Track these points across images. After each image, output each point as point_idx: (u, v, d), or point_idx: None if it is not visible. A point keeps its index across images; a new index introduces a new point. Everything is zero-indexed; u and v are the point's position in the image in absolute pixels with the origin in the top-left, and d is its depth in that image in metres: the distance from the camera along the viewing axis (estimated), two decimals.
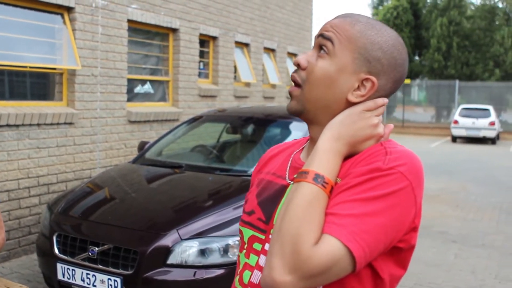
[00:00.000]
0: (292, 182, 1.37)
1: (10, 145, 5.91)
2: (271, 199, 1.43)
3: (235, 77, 10.60)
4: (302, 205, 1.18)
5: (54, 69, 6.67)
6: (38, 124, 6.19)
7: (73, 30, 6.65)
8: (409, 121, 30.00)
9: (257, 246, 1.41)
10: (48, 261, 4.52)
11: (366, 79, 1.33)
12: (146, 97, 8.37)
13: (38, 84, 6.94)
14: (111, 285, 4.07)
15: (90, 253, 4.15)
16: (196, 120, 6.39)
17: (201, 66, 9.70)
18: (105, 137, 7.16)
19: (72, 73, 6.67)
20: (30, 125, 6.10)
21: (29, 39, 6.36)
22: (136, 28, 7.85)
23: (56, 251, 4.42)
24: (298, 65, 1.37)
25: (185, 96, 8.75)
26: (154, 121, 8.02)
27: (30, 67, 6.37)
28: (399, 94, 31.66)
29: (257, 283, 1.36)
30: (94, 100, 6.93)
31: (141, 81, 8.25)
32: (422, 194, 1.27)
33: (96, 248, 4.14)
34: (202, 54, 9.67)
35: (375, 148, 1.30)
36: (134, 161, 5.83)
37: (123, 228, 4.30)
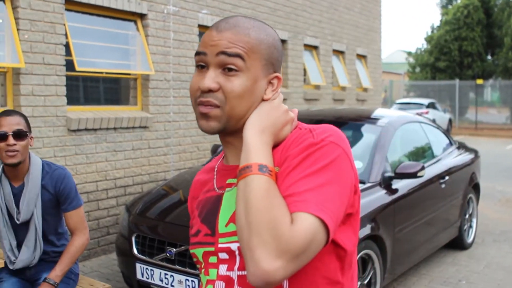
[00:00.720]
0: (223, 191, 1.44)
1: (89, 148, 6.10)
2: (211, 212, 1.46)
3: (304, 80, 10.59)
4: (262, 195, 1.21)
5: (129, 74, 6.84)
6: (115, 128, 6.36)
7: (146, 36, 6.81)
8: (482, 122, 29.16)
9: (212, 259, 1.42)
10: (127, 261, 4.64)
11: (273, 78, 1.43)
12: None
13: (114, 89, 7.14)
14: (188, 285, 4.13)
15: (168, 254, 4.23)
16: None
17: None
18: (179, 141, 7.29)
19: (146, 78, 6.83)
20: (107, 129, 6.28)
21: (104, 46, 6.55)
22: None
23: (135, 251, 4.53)
24: (209, 90, 1.36)
25: None
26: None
27: (106, 73, 6.56)
28: (471, 95, 30.86)
29: None
30: (167, 104, 7.07)
31: None
32: (352, 157, 1.36)
33: (174, 249, 4.21)
34: None
35: (297, 132, 1.39)
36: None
37: None
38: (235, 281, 1.36)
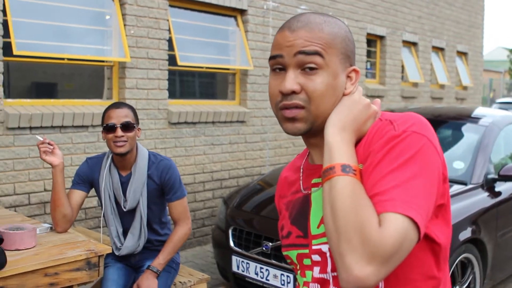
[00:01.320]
0: (309, 191, 1.42)
1: (188, 141, 6.25)
2: (300, 213, 1.44)
3: (402, 77, 10.38)
4: (347, 196, 1.17)
5: (228, 69, 6.95)
6: (213, 122, 6.48)
7: (246, 31, 6.89)
8: None
9: (307, 261, 1.40)
10: (223, 253, 4.73)
11: (351, 71, 1.39)
12: None
13: (212, 84, 7.28)
14: (283, 280, 4.16)
15: (264, 248, 4.27)
16: None
17: (368, 66, 9.61)
18: (275, 136, 7.34)
19: (245, 73, 6.91)
20: (206, 122, 6.41)
21: (205, 41, 6.68)
22: None
23: (232, 244, 4.60)
24: (292, 92, 1.32)
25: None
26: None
27: (206, 67, 6.69)
28: None
29: None
30: (265, 99, 7.13)
31: None
32: (439, 143, 1.29)
33: (270, 244, 4.25)
34: (369, 54, 9.58)
35: (378, 124, 1.33)
36: None
37: None
38: (330, 282, 1.34)
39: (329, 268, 1.34)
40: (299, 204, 1.45)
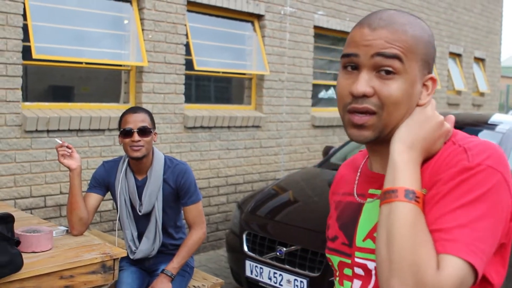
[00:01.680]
0: (364, 201, 1.35)
1: (203, 145, 6.28)
2: (350, 221, 1.37)
3: None
4: (406, 228, 1.08)
5: (244, 74, 6.97)
6: (228, 127, 6.51)
7: (263, 36, 6.91)
8: None
9: (347, 271, 1.35)
10: (237, 258, 4.73)
11: (428, 79, 1.29)
12: (330, 102, 8.45)
13: (228, 89, 7.30)
14: (297, 285, 4.16)
15: (278, 253, 4.28)
16: None
17: None
18: (290, 141, 7.34)
19: (261, 78, 6.93)
20: (221, 127, 6.43)
21: (222, 46, 6.72)
22: (322, 34, 7.96)
23: (246, 248, 4.61)
24: (363, 95, 1.23)
25: None
26: (337, 126, 8.07)
27: (223, 72, 6.72)
28: None
29: None
30: (280, 105, 7.14)
31: (326, 87, 8.35)
32: None
33: (284, 249, 4.25)
34: None
35: (450, 148, 1.22)
36: (320, 165, 5.91)
37: (311, 231, 4.37)
38: None
39: (371, 286, 1.28)
40: (351, 210, 1.39)
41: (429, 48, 1.28)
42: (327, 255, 1.44)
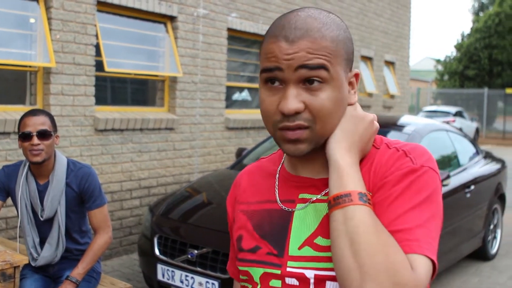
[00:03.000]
0: (292, 208, 1.28)
1: (115, 148, 6.17)
2: (276, 229, 1.28)
3: None
4: (371, 231, 1.07)
5: (157, 76, 6.90)
6: (141, 129, 6.42)
7: (175, 38, 6.87)
8: (510, 132, 28.75)
9: (275, 283, 1.25)
10: (148, 262, 4.68)
11: (353, 76, 1.26)
12: (243, 104, 8.50)
13: (141, 91, 7.21)
14: (208, 287, 4.16)
15: (189, 256, 4.26)
16: None
17: None
18: (204, 143, 7.33)
19: (174, 80, 6.88)
20: (134, 129, 6.34)
21: (134, 47, 6.62)
22: (235, 36, 7.99)
23: (157, 252, 4.56)
24: (295, 113, 1.17)
25: None
26: (251, 128, 8.12)
27: (135, 74, 6.62)
28: (500, 104, 30.48)
29: None
30: (194, 107, 7.12)
31: (239, 89, 8.39)
32: None
33: (196, 251, 4.24)
34: None
35: (387, 152, 1.22)
36: (232, 167, 5.93)
37: (222, 232, 4.37)
38: None
39: None
40: (275, 218, 1.30)
41: (348, 45, 1.24)
42: (242, 268, 1.33)
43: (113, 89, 6.79)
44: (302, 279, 1.21)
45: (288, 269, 1.23)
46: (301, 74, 1.16)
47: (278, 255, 1.25)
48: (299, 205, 1.27)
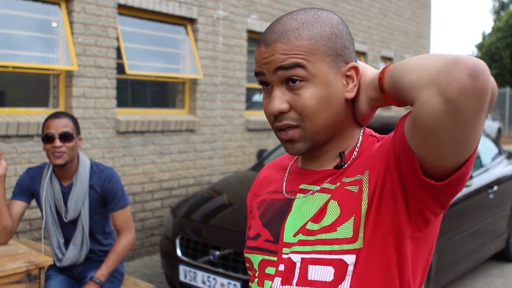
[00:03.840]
0: (293, 196, 1.32)
1: (136, 150, 6.21)
2: (276, 217, 1.32)
3: None
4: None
5: (177, 78, 6.94)
6: (162, 131, 6.46)
7: (196, 40, 6.89)
8: None
9: (270, 270, 1.28)
10: (171, 263, 4.71)
11: (348, 69, 1.25)
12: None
13: (162, 93, 7.25)
14: None
15: (211, 257, 4.27)
16: None
17: None
18: (224, 145, 7.35)
19: (194, 82, 6.91)
20: (155, 131, 6.38)
21: (154, 49, 6.66)
22: (255, 38, 8.00)
23: (179, 253, 4.58)
24: (279, 113, 1.22)
25: None
26: (271, 129, 8.11)
27: (156, 76, 6.66)
28: None
29: None
30: (214, 108, 7.14)
31: (260, 90, 8.40)
32: None
33: (218, 252, 4.25)
34: None
35: (374, 142, 1.30)
36: (254, 168, 5.94)
37: (244, 234, 4.38)
38: None
39: (294, 281, 1.22)
40: (278, 206, 1.34)
41: (335, 40, 1.24)
42: (246, 255, 1.37)
43: (134, 92, 6.83)
44: (291, 263, 1.24)
45: (283, 256, 1.25)
46: (280, 75, 1.21)
47: (274, 242, 1.29)
48: (299, 195, 1.31)
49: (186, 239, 4.59)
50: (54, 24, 5.64)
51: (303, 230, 1.24)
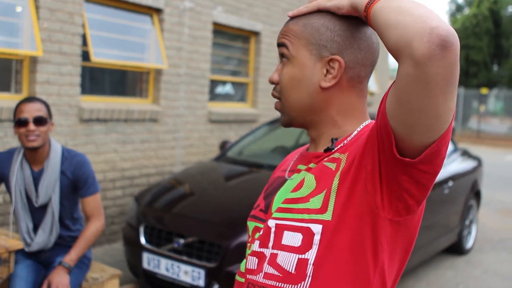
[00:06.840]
0: (289, 177, 1.44)
1: (99, 138, 6.20)
2: (273, 191, 1.47)
3: None
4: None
5: (142, 67, 6.94)
6: (125, 120, 6.46)
7: (161, 30, 6.91)
8: (484, 131, 29.21)
9: (257, 235, 1.42)
10: (134, 251, 4.74)
11: (331, 60, 1.33)
12: (226, 97, 8.57)
13: (126, 81, 7.24)
14: (194, 276, 4.24)
15: (175, 245, 4.34)
16: (277, 122, 6.52)
17: None
18: (186, 135, 7.39)
19: (159, 72, 6.93)
20: (118, 120, 6.38)
21: (120, 38, 6.65)
22: (220, 30, 8.05)
23: (143, 241, 4.63)
24: (272, 82, 1.41)
25: (264, 98, 8.90)
26: (233, 121, 8.20)
27: (121, 65, 6.65)
28: (474, 103, 30.93)
29: (254, 268, 1.37)
30: (178, 99, 7.17)
31: (223, 82, 8.46)
32: None
33: (182, 240, 4.32)
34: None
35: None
36: (217, 159, 6.01)
37: (207, 222, 4.46)
38: (267, 258, 1.34)
39: (270, 244, 1.34)
40: (277, 183, 1.48)
41: (323, 31, 1.33)
42: (247, 222, 1.52)
43: (98, 80, 6.81)
44: (267, 228, 1.37)
45: (268, 224, 1.38)
46: (278, 51, 1.40)
47: (264, 211, 1.44)
48: (295, 174, 1.43)
49: (150, 227, 4.64)
50: (19, 9, 5.58)
51: (284, 200, 1.37)
